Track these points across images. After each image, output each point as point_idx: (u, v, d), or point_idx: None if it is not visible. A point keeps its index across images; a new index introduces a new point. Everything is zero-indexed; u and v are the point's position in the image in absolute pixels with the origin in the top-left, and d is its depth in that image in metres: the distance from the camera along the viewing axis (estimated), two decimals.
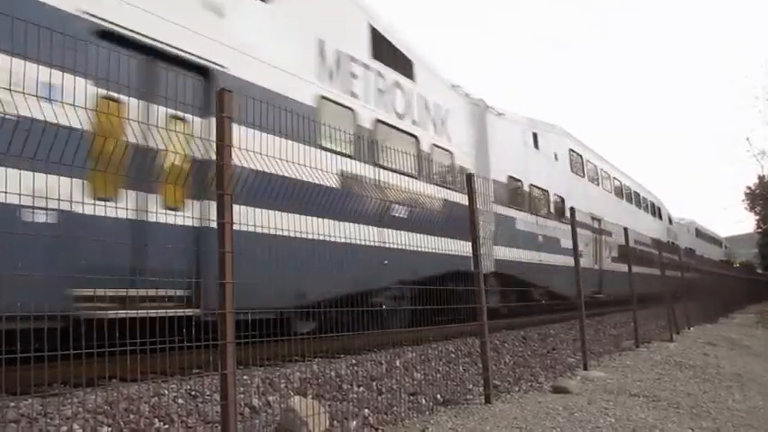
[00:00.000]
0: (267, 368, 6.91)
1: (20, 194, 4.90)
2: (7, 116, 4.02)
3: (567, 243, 14.79)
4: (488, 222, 14.13)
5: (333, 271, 8.26)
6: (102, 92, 6.18)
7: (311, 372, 6.97)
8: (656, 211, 35.95)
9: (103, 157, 4.62)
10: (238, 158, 4.10)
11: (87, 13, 6.66)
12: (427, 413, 6.11)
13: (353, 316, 7.37)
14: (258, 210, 6.32)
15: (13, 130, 3.69)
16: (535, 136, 19.24)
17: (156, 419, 5.07)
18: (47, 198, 4.93)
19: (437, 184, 12.57)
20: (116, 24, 6.93)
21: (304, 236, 6.81)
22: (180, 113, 7.12)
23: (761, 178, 48.42)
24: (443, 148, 13.72)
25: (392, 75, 12.08)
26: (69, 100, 3.80)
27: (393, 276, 10.26)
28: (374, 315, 8.97)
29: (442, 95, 14.21)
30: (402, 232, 9.34)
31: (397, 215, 9.98)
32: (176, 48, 7.56)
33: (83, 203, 5.31)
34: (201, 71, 7.90)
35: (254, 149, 4.45)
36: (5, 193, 4.68)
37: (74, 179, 5.30)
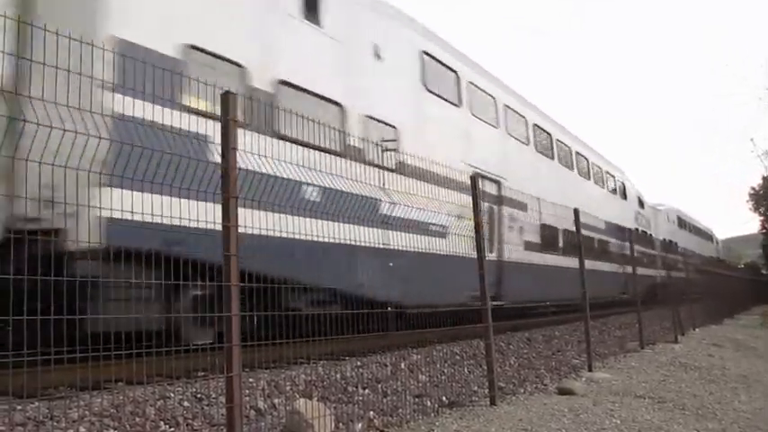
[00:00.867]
0: (272, 371, 6.92)
1: None
2: None
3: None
4: None
5: None
6: None
7: (316, 374, 6.98)
8: (616, 188, 27.65)
9: None
10: None
11: None
12: (432, 415, 6.11)
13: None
14: None
15: None
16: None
17: (162, 422, 5.08)
18: None
19: None
20: None
21: None
22: None
23: (765, 179, 48.29)
24: None
25: None
26: None
27: None
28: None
29: None
30: None
31: None
32: None
33: None
34: None
35: None
36: None
37: None
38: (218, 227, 3.84)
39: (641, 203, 32.06)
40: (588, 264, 10.27)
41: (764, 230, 55.95)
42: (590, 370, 9.11)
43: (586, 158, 23.41)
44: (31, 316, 3.50)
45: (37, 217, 5.63)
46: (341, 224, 6.26)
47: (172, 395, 5.62)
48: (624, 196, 28.72)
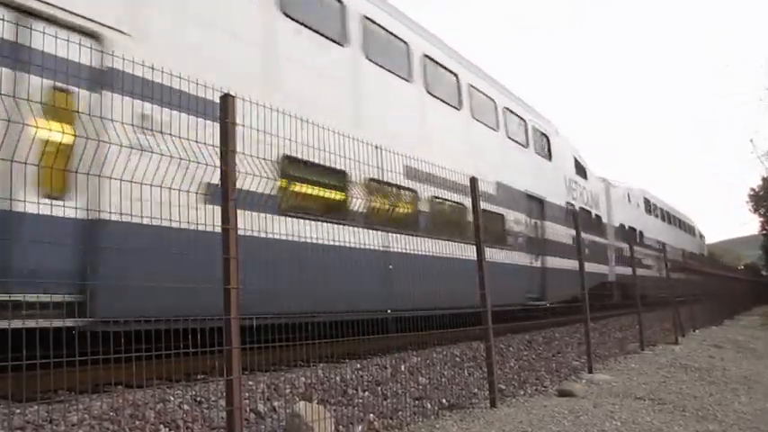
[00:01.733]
0: (272, 373, 6.91)
1: None
2: None
3: None
4: None
5: None
6: None
7: (316, 377, 6.97)
8: (531, 140, 18.16)
9: None
10: None
11: None
12: (432, 417, 6.10)
13: None
14: None
15: None
16: None
17: (162, 426, 5.07)
18: None
19: None
20: None
21: None
22: None
23: (765, 180, 48.21)
24: None
25: None
26: None
27: None
28: None
29: None
30: None
31: None
32: None
33: None
34: None
35: None
36: None
37: None
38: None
39: (581, 171, 22.46)
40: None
41: (765, 232, 55.85)
42: (590, 372, 9.10)
43: (475, 89, 14.97)
44: None
45: None
46: None
47: (171, 398, 5.61)
48: (548, 155, 19.48)
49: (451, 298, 7.58)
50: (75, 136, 5.27)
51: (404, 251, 8.37)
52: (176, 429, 5.08)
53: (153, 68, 4.38)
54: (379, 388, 6.92)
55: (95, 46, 6.48)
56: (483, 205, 7.38)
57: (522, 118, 17.73)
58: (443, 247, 9.31)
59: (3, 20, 5.38)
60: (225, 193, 3.89)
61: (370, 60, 11.16)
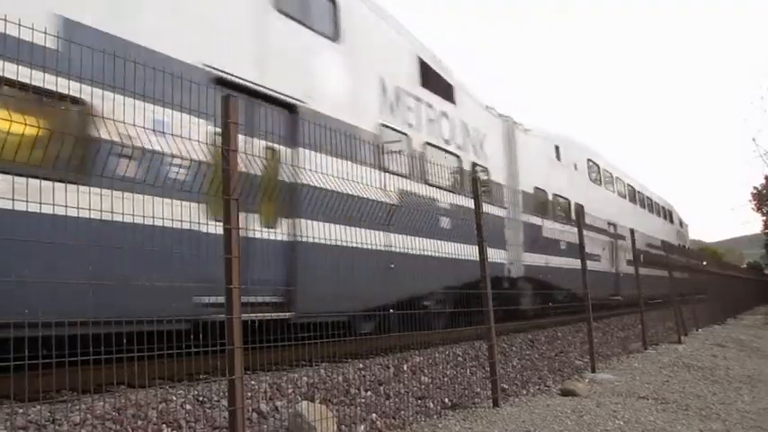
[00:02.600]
0: (275, 373, 6.91)
1: None
2: None
3: None
4: None
5: None
6: None
7: (318, 376, 6.97)
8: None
9: None
10: None
11: None
12: (435, 417, 6.10)
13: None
14: None
15: None
16: None
17: (165, 425, 5.08)
18: None
19: None
20: None
21: None
22: None
23: None
24: None
25: None
26: None
27: None
28: None
29: None
30: None
31: None
32: None
33: None
34: None
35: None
36: None
37: None
38: None
39: (436, 85, 13.54)
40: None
41: None
42: (593, 371, 9.09)
43: None
44: None
45: None
46: None
47: (174, 398, 5.61)
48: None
49: None
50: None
51: None
52: (179, 429, 5.08)
53: None
54: (382, 387, 6.92)
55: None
56: None
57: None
58: None
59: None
60: (226, 193, 3.89)
61: None
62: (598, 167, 24.03)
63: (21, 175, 4.54)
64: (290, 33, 9.52)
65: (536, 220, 17.45)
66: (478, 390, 7.39)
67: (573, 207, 19.43)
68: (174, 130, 4.43)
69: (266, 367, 6.91)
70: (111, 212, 4.52)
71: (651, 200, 33.09)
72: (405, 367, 7.96)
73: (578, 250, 9.99)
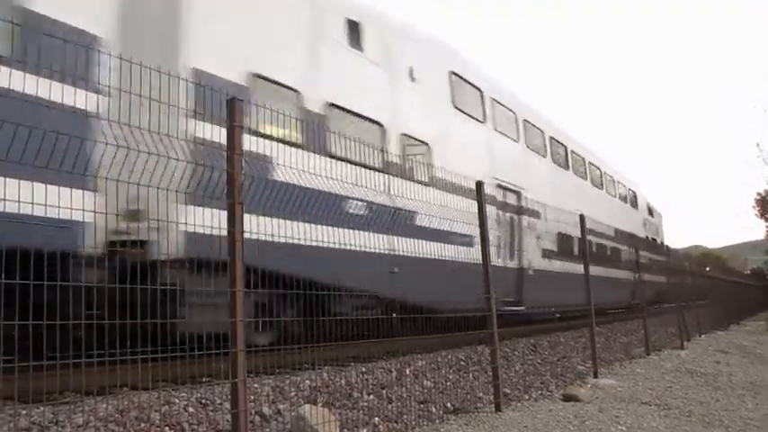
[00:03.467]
0: (277, 376, 6.91)
1: None
2: None
3: None
4: None
5: None
6: None
7: (321, 380, 6.97)
8: None
9: None
10: None
11: None
12: (437, 421, 6.10)
13: None
14: None
15: None
16: None
17: (167, 428, 5.08)
18: None
19: None
20: None
21: None
22: None
23: None
24: None
25: None
26: None
27: None
28: None
29: None
30: None
31: None
32: None
33: None
34: None
35: None
36: None
37: None
38: None
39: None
40: None
41: None
42: (595, 376, 9.08)
43: None
44: None
45: None
46: None
47: (177, 401, 5.62)
48: None
49: None
50: None
51: None
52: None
53: None
54: (384, 391, 6.92)
55: None
56: None
57: None
58: None
59: None
60: (231, 196, 3.90)
61: None
62: (480, 94, 15.12)
63: None
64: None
65: None
66: (481, 394, 7.38)
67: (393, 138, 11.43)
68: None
69: (269, 370, 6.91)
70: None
71: (600, 170, 23.63)
72: (407, 371, 7.96)
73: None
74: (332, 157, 8.82)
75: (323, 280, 6.10)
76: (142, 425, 5.01)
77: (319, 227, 6.25)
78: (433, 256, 8.74)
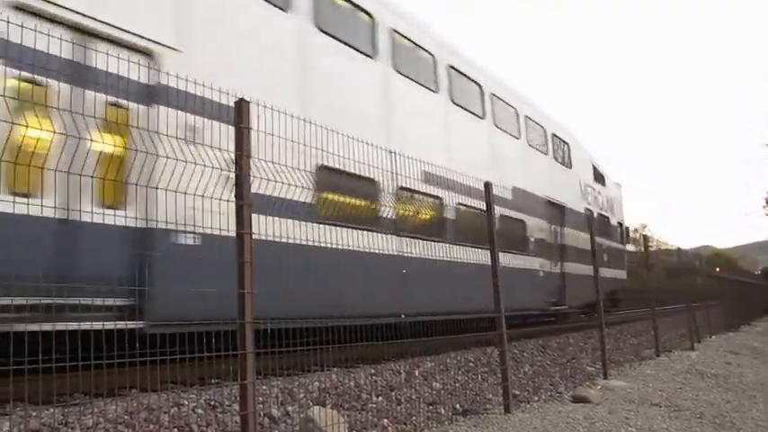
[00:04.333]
0: (286, 378, 6.92)
1: None
2: None
3: None
4: None
5: None
6: None
7: (330, 381, 6.97)
8: None
9: None
10: None
11: None
12: (446, 423, 6.08)
13: None
14: None
15: None
16: None
17: (176, 429, 5.09)
18: None
19: None
20: None
21: None
22: None
23: None
24: None
25: None
26: None
27: None
28: None
29: None
30: None
31: None
32: None
33: None
34: None
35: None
36: None
37: None
38: None
39: None
40: None
41: None
42: (605, 378, 9.04)
43: None
44: None
45: None
46: None
47: (185, 402, 5.63)
48: None
49: None
50: None
51: None
52: None
53: None
54: (393, 393, 6.91)
55: None
56: None
57: None
58: None
59: None
60: (239, 197, 3.90)
61: None
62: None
63: None
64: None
65: None
66: (490, 396, 7.37)
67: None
68: None
69: (278, 372, 6.92)
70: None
71: (516, 111, 16.55)
72: (416, 373, 7.95)
73: None
74: None
75: None
76: (151, 426, 5.02)
77: None
78: None
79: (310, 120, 5.15)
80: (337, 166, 7.72)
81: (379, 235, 9.05)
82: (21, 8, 6.20)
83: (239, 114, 3.98)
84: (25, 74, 5.52)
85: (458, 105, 13.81)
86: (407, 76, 12.16)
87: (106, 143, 5.79)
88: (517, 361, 10.12)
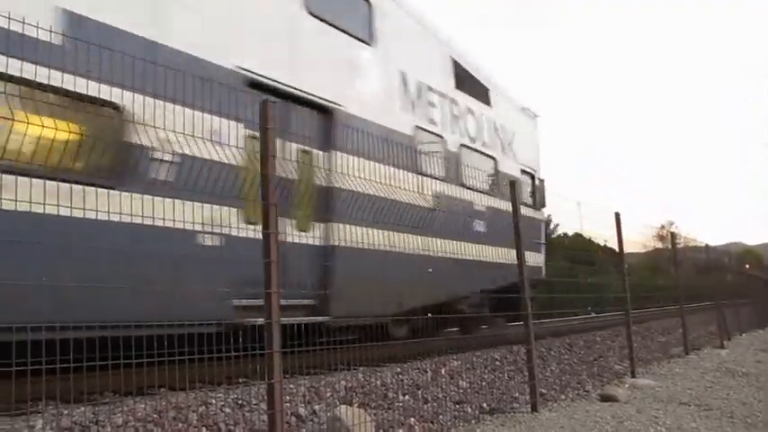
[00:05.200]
0: (313, 377, 6.95)
1: None
2: None
3: None
4: None
5: None
6: None
7: (356, 380, 6.98)
8: None
9: None
10: None
11: None
12: (473, 422, 6.07)
13: None
14: None
15: None
16: None
17: (204, 428, 5.13)
18: None
19: None
20: None
21: None
22: None
23: None
24: None
25: None
26: None
27: None
28: None
29: None
30: None
31: None
32: None
33: None
34: None
35: None
36: None
37: None
38: None
39: None
40: None
41: None
42: (633, 376, 8.95)
43: None
44: None
45: None
46: None
47: (213, 401, 5.67)
48: None
49: None
50: None
51: None
52: None
53: None
54: (420, 392, 6.91)
55: None
56: None
57: None
58: None
59: None
60: (265, 198, 3.93)
61: None
62: None
63: None
64: None
65: None
66: (517, 395, 7.33)
67: None
68: None
69: (304, 371, 6.95)
70: None
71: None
72: (442, 371, 7.93)
73: None
74: None
75: None
76: (180, 425, 5.07)
77: None
78: None
79: None
80: None
81: None
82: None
83: (264, 115, 4.01)
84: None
85: None
86: None
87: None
88: (544, 359, 10.05)
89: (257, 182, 4.10)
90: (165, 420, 5.07)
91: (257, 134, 4.11)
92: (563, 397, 7.56)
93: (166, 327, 5.14)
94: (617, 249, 10.40)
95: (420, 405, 6.43)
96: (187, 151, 5.44)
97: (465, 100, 12.72)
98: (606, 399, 7.20)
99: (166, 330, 4.94)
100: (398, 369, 7.80)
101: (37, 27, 4.21)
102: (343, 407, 5.30)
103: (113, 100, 5.70)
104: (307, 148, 8.70)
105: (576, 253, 24.50)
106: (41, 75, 5.04)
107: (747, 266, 24.10)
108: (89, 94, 5.69)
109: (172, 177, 6.29)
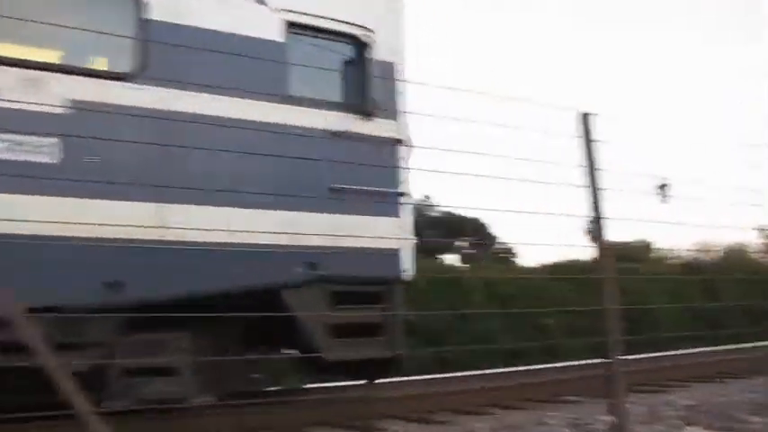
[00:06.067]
0: (650, 394, 6.57)
1: None
2: None
3: None
4: None
5: None
6: None
7: (694, 398, 6.44)
8: None
9: None
10: None
11: None
12: None
13: None
14: None
15: None
16: None
17: None
18: None
19: None
20: None
21: None
22: None
23: None
24: None
25: None
26: None
27: None
28: None
29: None
30: None
31: None
32: None
33: None
34: None
35: None
36: None
37: None
38: None
39: None
40: None
41: None
42: None
43: None
44: None
45: None
46: None
47: (549, 421, 5.63)
48: None
49: None
50: None
51: None
52: None
53: None
54: None
55: None
56: None
57: None
58: None
59: None
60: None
61: None
62: None
63: None
64: None
65: None
66: None
67: None
68: None
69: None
70: None
71: None
72: None
73: None
74: None
75: None
76: None
77: None
78: None
79: None
80: None
81: None
82: None
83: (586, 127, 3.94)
84: None
85: None
86: None
87: None
88: None
89: None
90: None
91: None
92: None
93: None
94: None
95: None
96: None
97: None
98: None
99: None
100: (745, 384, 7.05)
101: None
102: (690, 429, 4.92)
103: None
104: None
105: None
106: None
107: None
108: None
109: None
